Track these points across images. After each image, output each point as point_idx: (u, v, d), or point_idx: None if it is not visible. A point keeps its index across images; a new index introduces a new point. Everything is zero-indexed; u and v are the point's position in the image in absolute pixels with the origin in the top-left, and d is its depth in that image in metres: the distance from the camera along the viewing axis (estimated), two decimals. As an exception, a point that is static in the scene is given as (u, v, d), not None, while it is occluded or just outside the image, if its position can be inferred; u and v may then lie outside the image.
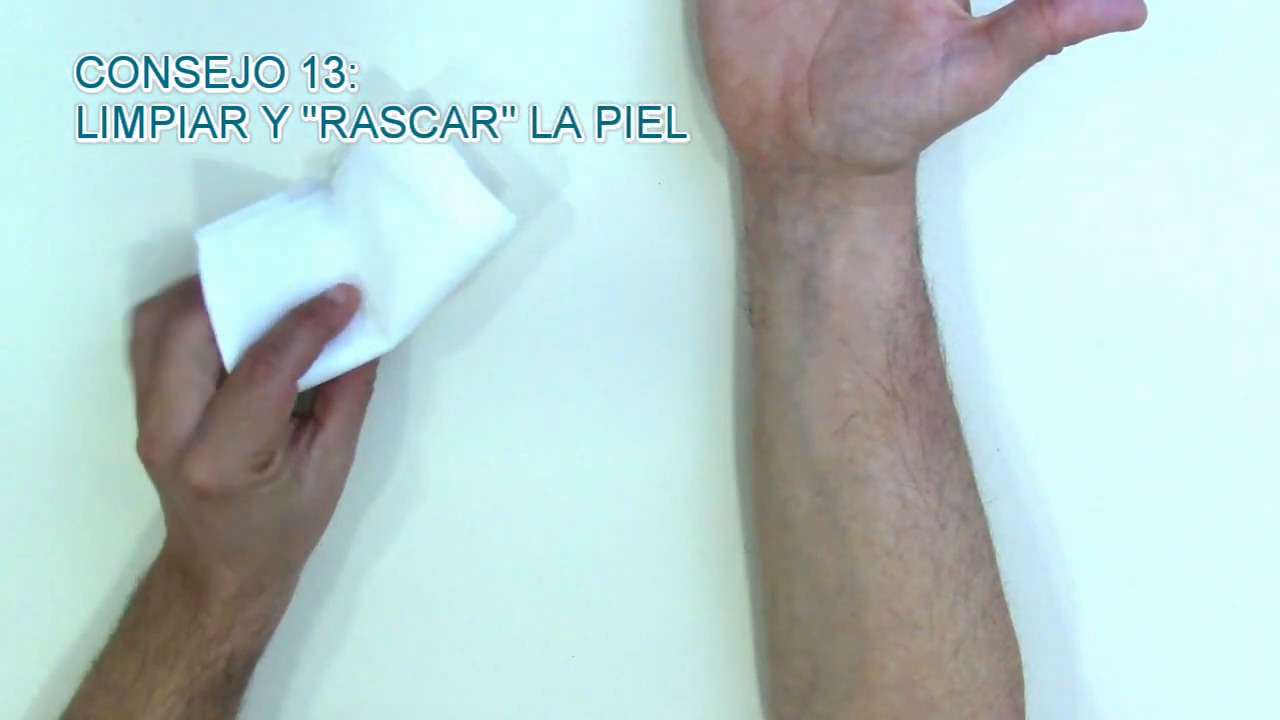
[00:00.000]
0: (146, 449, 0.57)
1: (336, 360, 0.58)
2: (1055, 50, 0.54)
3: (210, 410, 0.56)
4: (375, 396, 0.62)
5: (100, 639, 0.61)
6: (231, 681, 0.61)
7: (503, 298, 0.62)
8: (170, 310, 0.58)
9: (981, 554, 0.58)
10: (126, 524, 0.63)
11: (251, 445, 0.56)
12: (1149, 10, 0.53)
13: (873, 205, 0.57)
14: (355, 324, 0.58)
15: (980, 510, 0.59)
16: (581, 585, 0.64)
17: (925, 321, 0.58)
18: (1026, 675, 0.60)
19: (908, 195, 0.58)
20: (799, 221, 0.57)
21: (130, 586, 0.62)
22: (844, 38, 0.56)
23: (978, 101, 0.55)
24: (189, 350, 0.57)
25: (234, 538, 0.58)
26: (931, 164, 0.60)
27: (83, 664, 0.61)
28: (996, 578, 0.59)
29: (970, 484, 0.59)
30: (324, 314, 0.58)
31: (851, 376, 0.57)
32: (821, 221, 0.57)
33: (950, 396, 0.59)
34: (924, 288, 0.58)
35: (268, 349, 0.57)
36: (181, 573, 0.59)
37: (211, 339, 0.57)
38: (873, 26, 0.55)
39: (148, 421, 0.57)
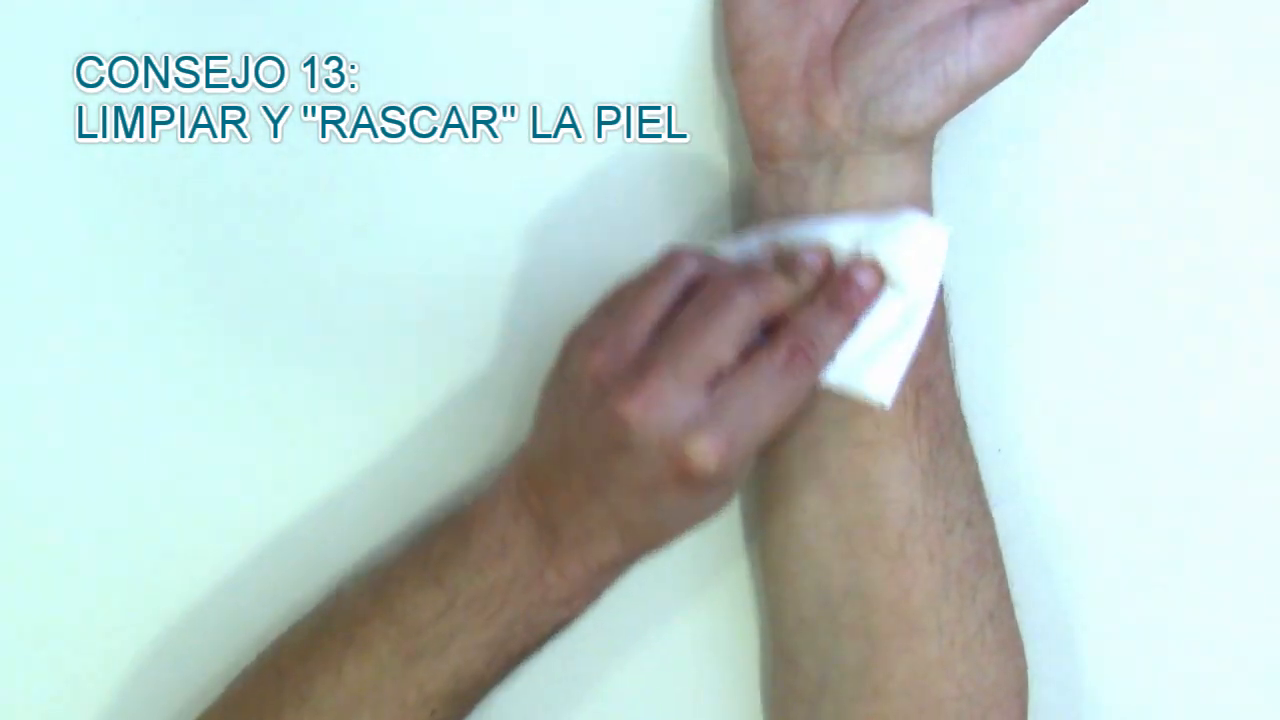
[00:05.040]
0: (601, 361, 0.51)
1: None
2: (1079, 2, 0.55)
3: (728, 393, 0.50)
4: (371, 398, 0.62)
5: (104, 637, 0.61)
6: (541, 646, 0.55)
7: (502, 298, 0.62)
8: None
9: (987, 557, 0.58)
10: (125, 522, 0.63)
11: (763, 437, 0.51)
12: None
13: (890, 206, 0.57)
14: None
15: (986, 513, 0.59)
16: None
17: (938, 329, 0.58)
18: (1030, 676, 0.60)
19: (922, 199, 0.58)
20: None
21: (134, 588, 0.61)
22: (868, 12, 0.57)
23: (1005, 58, 0.55)
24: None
25: (665, 520, 0.53)
26: (935, 164, 0.60)
27: (88, 662, 0.61)
28: (1003, 580, 0.59)
29: (976, 487, 0.59)
30: (852, 306, 0.53)
31: None
32: None
33: (957, 401, 0.59)
34: (939, 296, 0.58)
35: (806, 342, 0.52)
36: (540, 523, 0.53)
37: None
38: None
39: (608, 332, 0.51)
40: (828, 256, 0.54)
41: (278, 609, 0.63)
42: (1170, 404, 0.63)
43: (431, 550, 0.55)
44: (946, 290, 0.58)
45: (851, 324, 0.53)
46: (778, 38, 0.57)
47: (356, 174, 0.61)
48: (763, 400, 0.51)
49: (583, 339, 0.52)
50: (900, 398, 0.56)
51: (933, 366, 0.58)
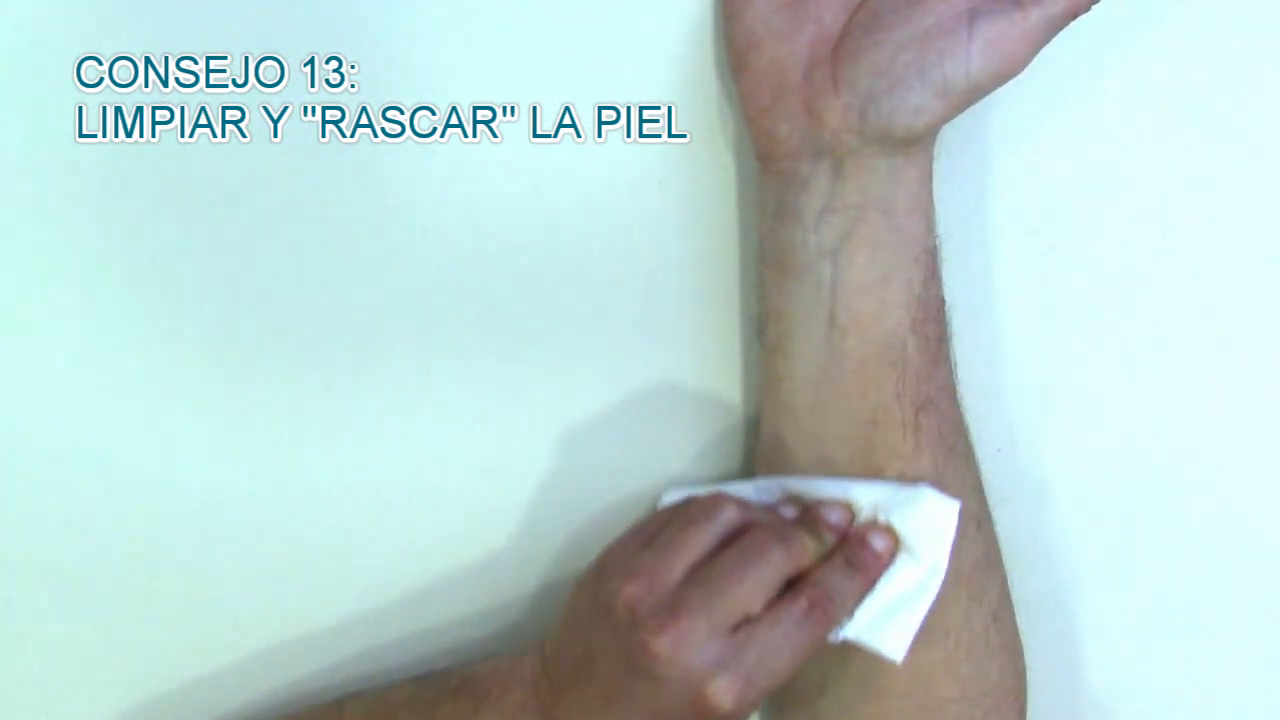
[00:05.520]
0: (636, 592, 0.53)
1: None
2: (1082, 8, 0.55)
3: (750, 638, 0.53)
4: (370, 398, 0.62)
5: (102, 646, 0.61)
6: None
7: (502, 298, 0.62)
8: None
9: (993, 558, 0.59)
10: (125, 522, 0.63)
11: (777, 681, 0.53)
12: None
13: (888, 213, 0.57)
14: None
15: (989, 514, 0.59)
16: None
17: (938, 345, 0.58)
18: (1030, 677, 0.60)
19: (922, 207, 0.58)
20: (823, 222, 0.57)
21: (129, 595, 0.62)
22: (869, 14, 0.56)
23: (1005, 62, 0.55)
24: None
25: None
26: (944, 169, 0.60)
27: (83, 672, 0.61)
28: (1004, 579, 0.59)
29: (979, 489, 0.59)
30: (868, 568, 0.55)
31: (868, 407, 0.57)
32: (842, 223, 0.57)
33: (960, 410, 0.59)
34: (938, 310, 0.58)
35: (825, 597, 0.54)
36: None
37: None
38: (896, 0, 0.56)
39: (647, 564, 0.54)
40: (850, 516, 0.56)
41: (276, 612, 0.63)
42: (1170, 404, 0.63)
43: (438, 710, 0.57)
44: (948, 300, 0.58)
45: (869, 584, 0.55)
46: (779, 39, 0.57)
47: (356, 174, 0.61)
48: (780, 648, 0.53)
49: (621, 566, 0.54)
50: (899, 420, 0.57)
51: (933, 383, 0.58)
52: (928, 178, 0.58)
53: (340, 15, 0.60)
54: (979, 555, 0.58)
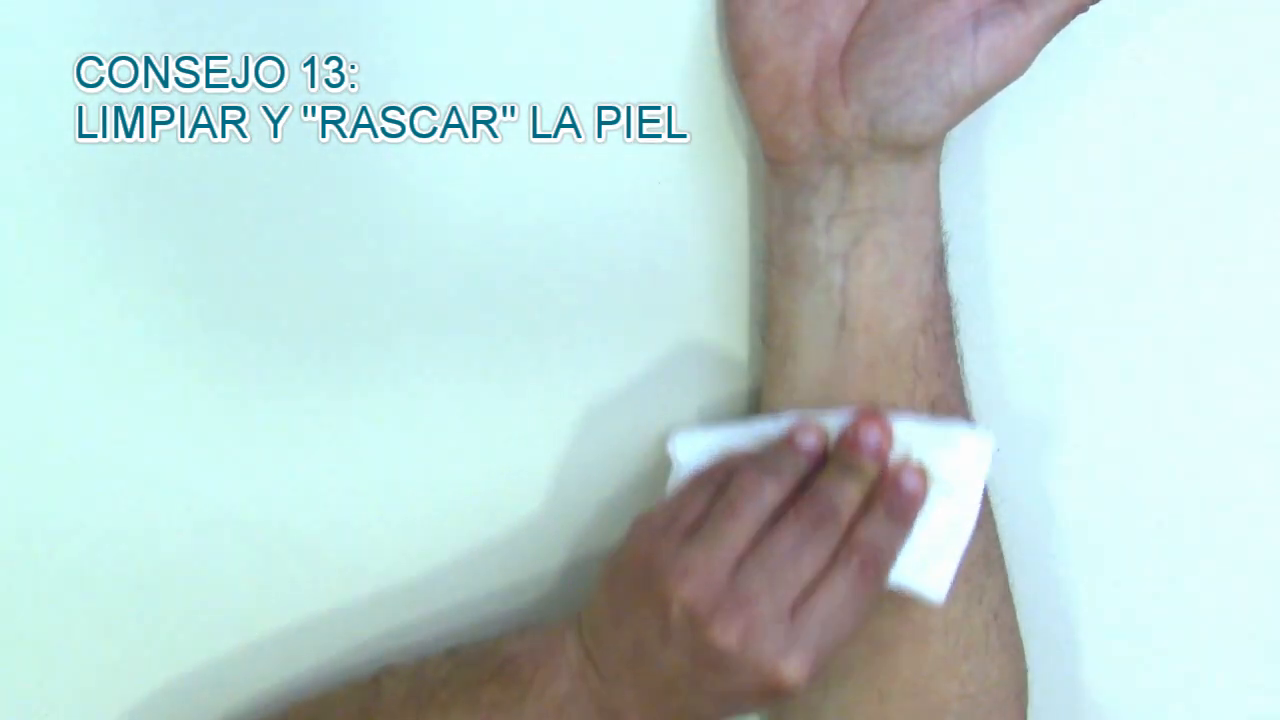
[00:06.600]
0: (692, 592, 0.53)
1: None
2: (1083, 6, 0.55)
3: (812, 611, 0.53)
4: (373, 397, 0.62)
5: (103, 645, 0.61)
6: None
7: (502, 299, 0.62)
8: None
9: (993, 557, 0.59)
10: (125, 522, 0.63)
11: (843, 643, 0.54)
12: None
13: (898, 215, 0.57)
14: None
15: (991, 513, 0.59)
16: (582, 592, 0.64)
17: (947, 341, 0.58)
18: (1030, 677, 0.60)
19: (931, 207, 0.58)
20: (834, 226, 0.57)
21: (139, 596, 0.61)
22: (875, 21, 0.56)
23: (1010, 65, 0.55)
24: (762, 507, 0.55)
25: (733, 711, 0.56)
26: (946, 168, 0.60)
27: (83, 671, 0.61)
28: (1006, 580, 0.59)
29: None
30: (906, 512, 0.56)
31: (880, 406, 0.57)
32: (853, 227, 0.57)
33: (968, 407, 0.59)
34: (946, 306, 0.58)
35: (874, 553, 0.54)
36: (600, 708, 0.56)
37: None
38: (902, 6, 0.56)
39: (697, 563, 0.54)
40: (884, 435, 0.56)
41: (285, 607, 0.63)
42: (1171, 403, 0.63)
43: (481, 695, 0.57)
44: (954, 297, 0.59)
45: (908, 529, 0.56)
46: (785, 46, 0.57)
47: (356, 174, 0.61)
48: (842, 614, 0.54)
49: (669, 566, 0.54)
50: (912, 409, 0.57)
51: (944, 379, 0.58)
52: (936, 179, 0.58)
53: (340, 15, 0.60)
54: (978, 553, 0.58)
